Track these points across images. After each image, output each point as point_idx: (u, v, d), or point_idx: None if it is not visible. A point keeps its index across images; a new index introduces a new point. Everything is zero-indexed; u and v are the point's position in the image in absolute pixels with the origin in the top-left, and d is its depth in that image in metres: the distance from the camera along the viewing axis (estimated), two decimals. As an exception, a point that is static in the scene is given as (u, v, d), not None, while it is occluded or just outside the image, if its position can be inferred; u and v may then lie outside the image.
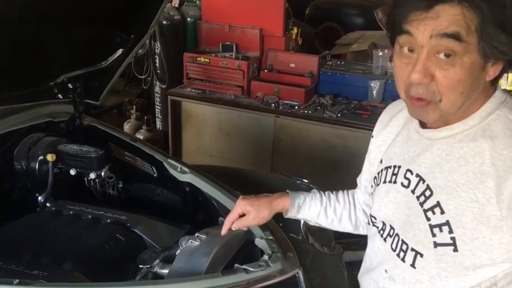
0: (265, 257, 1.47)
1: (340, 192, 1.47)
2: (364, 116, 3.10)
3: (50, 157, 1.98)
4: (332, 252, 2.07)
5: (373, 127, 1.32)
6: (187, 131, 3.69)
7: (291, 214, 1.45)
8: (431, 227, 1.04)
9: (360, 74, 3.38)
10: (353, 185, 1.50)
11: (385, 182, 1.18)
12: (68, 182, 2.08)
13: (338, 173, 3.10)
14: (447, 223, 1.01)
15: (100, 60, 2.11)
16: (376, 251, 1.23)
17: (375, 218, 1.23)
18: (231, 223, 1.45)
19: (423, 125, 1.10)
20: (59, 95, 2.13)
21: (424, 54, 0.96)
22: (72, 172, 2.01)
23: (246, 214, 1.42)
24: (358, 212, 1.43)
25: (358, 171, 1.46)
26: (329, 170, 3.16)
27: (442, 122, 1.05)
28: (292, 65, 3.46)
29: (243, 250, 1.62)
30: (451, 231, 1.01)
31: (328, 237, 2.12)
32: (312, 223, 1.49)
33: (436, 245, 1.04)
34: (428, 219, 1.04)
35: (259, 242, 1.58)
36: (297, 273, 1.45)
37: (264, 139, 3.38)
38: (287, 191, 1.46)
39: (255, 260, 1.48)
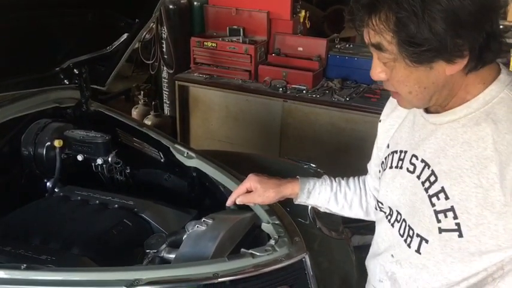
0: (272, 242, 1.46)
1: (351, 178, 1.45)
2: (373, 100, 3.07)
3: (57, 143, 1.99)
4: (340, 237, 2.06)
5: (382, 111, 1.30)
6: (195, 116, 3.68)
7: (300, 200, 1.44)
8: (436, 212, 1.03)
9: (369, 57, 3.27)
10: (362, 169, 1.47)
11: (391, 167, 1.17)
12: (75, 168, 2.08)
13: (347, 157, 3.08)
14: (452, 209, 1.00)
15: (105, 45, 2.10)
16: (384, 236, 1.22)
17: (382, 204, 1.22)
18: (237, 196, 1.46)
19: (427, 109, 1.09)
20: (65, 81, 2.13)
21: (374, 56, 1.02)
22: (80, 158, 2.02)
23: (253, 190, 1.43)
24: (369, 198, 1.41)
25: (367, 155, 1.44)
26: (337, 154, 3.14)
27: (440, 107, 1.05)
28: (300, 49, 3.42)
29: (249, 235, 1.62)
30: (455, 217, 1.00)
31: (336, 221, 2.11)
32: (322, 209, 1.47)
33: (440, 230, 1.03)
34: (433, 204, 1.03)
35: (266, 227, 1.57)
36: (304, 257, 1.44)
37: (272, 124, 3.37)
38: (297, 176, 1.45)
39: (262, 245, 1.47)
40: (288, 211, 1.74)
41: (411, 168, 1.09)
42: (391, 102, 1.25)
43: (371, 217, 1.41)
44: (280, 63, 3.39)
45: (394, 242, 1.16)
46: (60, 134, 2.04)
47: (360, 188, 1.43)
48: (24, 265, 1.34)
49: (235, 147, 3.46)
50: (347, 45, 3.57)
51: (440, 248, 1.04)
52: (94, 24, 1.99)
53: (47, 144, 2.03)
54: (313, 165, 2.08)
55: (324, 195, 1.42)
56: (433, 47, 0.90)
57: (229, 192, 1.80)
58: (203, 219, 1.57)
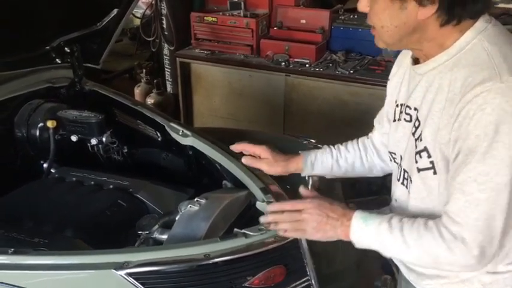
0: (266, 221, 1.41)
1: (349, 142, 1.55)
2: (378, 72, 2.97)
3: (50, 123, 1.95)
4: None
5: (387, 82, 1.38)
6: (197, 93, 3.62)
7: (306, 172, 1.54)
8: (416, 153, 1.15)
9: (374, 28, 3.22)
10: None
11: (394, 120, 1.29)
12: (70, 149, 2.05)
13: (351, 130, 2.98)
14: (425, 149, 1.11)
15: (95, 22, 2.03)
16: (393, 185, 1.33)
17: (395, 154, 1.31)
18: (242, 149, 1.58)
19: (417, 61, 1.19)
20: (57, 60, 2.07)
21: None
22: (74, 138, 1.98)
23: (262, 158, 1.53)
24: (372, 156, 1.50)
25: (372, 128, 1.51)
26: (342, 128, 3.07)
27: (424, 56, 1.14)
28: (303, 21, 3.32)
29: (244, 214, 1.58)
30: (429, 156, 1.11)
31: (338, 197, 2.06)
32: (328, 176, 1.58)
33: (418, 170, 1.14)
34: (416, 147, 1.15)
35: (260, 205, 1.53)
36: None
37: (275, 99, 3.29)
38: (299, 152, 1.54)
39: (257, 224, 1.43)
40: (288, 189, 1.69)
41: (407, 117, 1.21)
42: (398, 60, 1.34)
43: (374, 173, 1.52)
44: (283, 37, 3.29)
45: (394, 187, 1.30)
46: (53, 115, 1.99)
47: (359, 148, 1.51)
48: (12, 249, 1.31)
49: (239, 124, 3.40)
50: (351, 16, 3.44)
51: (422, 185, 1.15)
52: (82, 0, 1.92)
53: (39, 125, 1.99)
54: (313, 141, 2.03)
55: (326, 164, 1.51)
56: None
57: (226, 170, 1.77)
58: (196, 199, 1.53)
